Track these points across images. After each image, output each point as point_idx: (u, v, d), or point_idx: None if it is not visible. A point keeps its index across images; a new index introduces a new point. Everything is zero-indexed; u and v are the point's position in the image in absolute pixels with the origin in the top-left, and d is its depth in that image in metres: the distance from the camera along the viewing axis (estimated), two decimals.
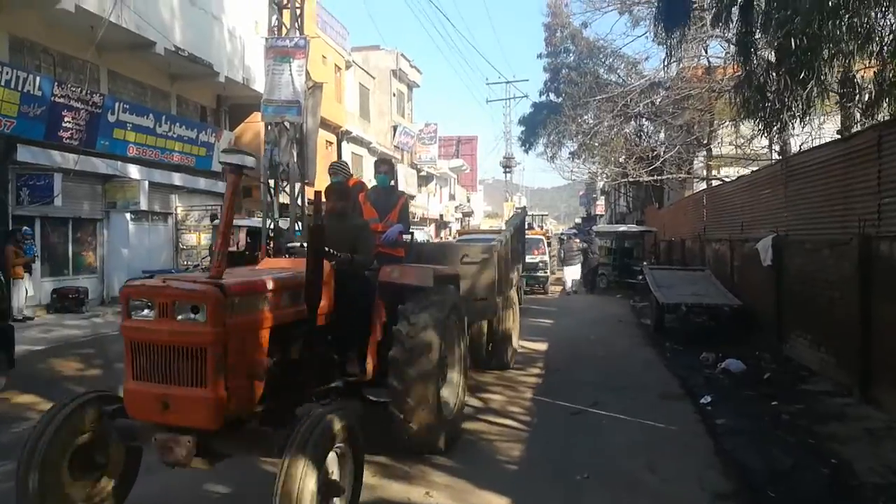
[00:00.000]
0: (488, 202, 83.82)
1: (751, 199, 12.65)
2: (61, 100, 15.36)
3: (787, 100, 7.07)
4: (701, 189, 20.44)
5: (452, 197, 58.85)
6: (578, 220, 75.59)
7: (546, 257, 22.45)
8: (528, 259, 19.72)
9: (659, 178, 23.93)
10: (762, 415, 7.05)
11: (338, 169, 7.03)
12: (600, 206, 69.30)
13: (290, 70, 10.66)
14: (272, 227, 11.67)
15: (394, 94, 40.68)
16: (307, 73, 11.26)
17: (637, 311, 16.84)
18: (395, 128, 40.01)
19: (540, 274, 21.94)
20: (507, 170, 46.67)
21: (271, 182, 11.39)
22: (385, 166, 7.16)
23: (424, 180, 48.25)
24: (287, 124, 11.04)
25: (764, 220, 11.55)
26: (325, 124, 29.20)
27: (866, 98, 7.84)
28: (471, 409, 7.22)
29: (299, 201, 11.32)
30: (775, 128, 7.85)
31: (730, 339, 11.20)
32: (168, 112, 20.41)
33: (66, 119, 15.62)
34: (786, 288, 10.16)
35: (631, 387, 8.44)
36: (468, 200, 63.01)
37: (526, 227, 34.64)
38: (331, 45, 29.84)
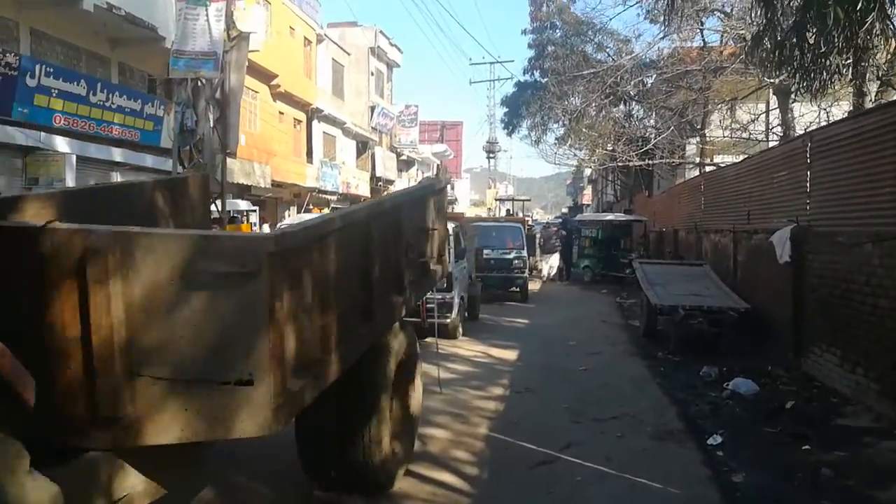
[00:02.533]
0: (475, 190, 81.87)
1: (760, 184, 10.79)
2: None
3: (836, 40, 5.17)
4: (699, 174, 18.55)
5: None
6: (565, 210, 74.16)
7: (524, 252, 16.72)
8: (499, 255, 16.21)
9: (651, 162, 22.07)
10: (794, 468, 5.19)
11: None
12: (587, 196, 67.77)
13: (207, 15, 8.64)
14: None
15: (372, 73, 38.49)
16: (231, 20, 9.27)
17: (624, 310, 15.01)
18: (372, 108, 37.86)
19: (515, 274, 16.44)
20: (491, 155, 44.67)
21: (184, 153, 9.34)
22: None
23: (405, 165, 46.22)
24: (202, 81, 9.06)
25: (778, 208, 9.69)
26: (294, 101, 27.13)
27: None
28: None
29: (218, 176, 9.33)
30: (821, 78, 5.96)
31: (734, 350, 9.38)
32: (107, 80, 18.24)
33: None
34: (808, 290, 8.30)
35: (617, 417, 6.56)
36: (452, 188, 60.91)
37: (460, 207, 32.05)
38: (300, 17, 27.65)
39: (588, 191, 67.96)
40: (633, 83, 23.81)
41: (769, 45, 5.80)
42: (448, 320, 10.22)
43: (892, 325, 6.24)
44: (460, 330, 10.94)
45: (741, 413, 6.71)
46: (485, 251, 15.45)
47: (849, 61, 5.71)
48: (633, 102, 27.57)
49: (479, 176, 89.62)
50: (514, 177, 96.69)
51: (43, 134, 15.64)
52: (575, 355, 9.71)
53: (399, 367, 4.77)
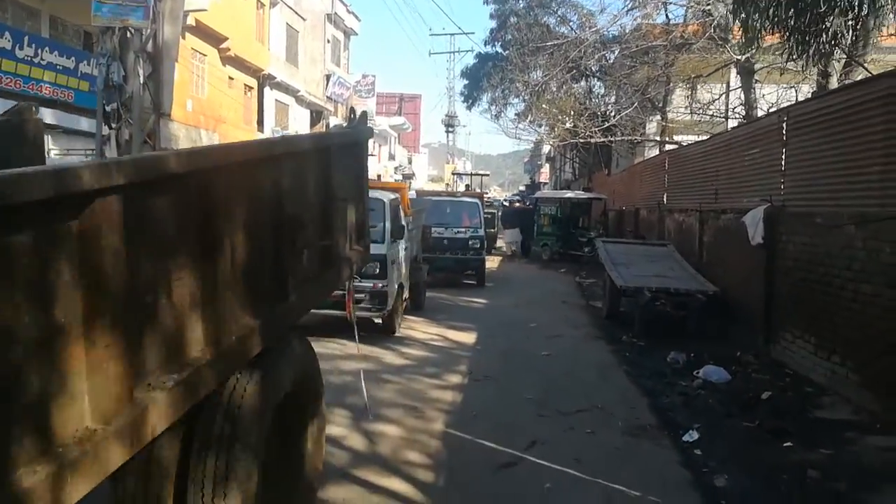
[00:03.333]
0: (434, 166, 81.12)
1: (730, 162, 10.39)
2: None
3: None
4: (663, 151, 18.15)
5: (392, 157, 55.65)
6: (522, 188, 74.25)
7: (481, 231, 14.97)
8: (453, 234, 14.44)
9: (612, 139, 21.67)
10: (777, 468, 4.75)
11: None
12: (545, 174, 67.63)
13: None
14: None
15: (328, 41, 37.14)
16: None
17: (584, 290, 14.61)
18: (328, 77, 36.59)
19: (471, 256, 14.59)
20: (450, 129, 43.84)
21: (108, 112, 8.38)
22: None
23: None
24: (131, 31, 8.10)
25: (750, 187, 9.29)
26: (245, 66, 25.84)
27: None
28: (347, 456, 4.70)
29: (148, 139, 8.40)
30: (818, 41, 5.43)
31: (700, 335, 9.02)
32: (36, 34, 16.82)
33: None
34: (781, 274, 7.93)
35: (584, 409, 6.05)
36: (410, 162, 60.00)
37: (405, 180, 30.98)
38: None
39: (546, 168, 67.77)
40: (595, 58, 23.35)
41: (761, 5, 5.23)
42: (382, 313, 8.59)
43: (876, 312, 5.86)
44: (399, 322, 9.31)
45: (715, 405, 6.28)
46: (436, 229, 13.91)
47: (850, 23, 5.21)
48: (595, 78, 27.17)
49: (438, 151, 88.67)
50: (472, 153, 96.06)
51: None
52: (536, 339, 9.20)
53: (286, 406, 3.30)
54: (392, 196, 9.48)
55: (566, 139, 23.93)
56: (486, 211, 17.95)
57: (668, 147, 19.41)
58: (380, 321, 8.70)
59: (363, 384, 5.20)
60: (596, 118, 22.53)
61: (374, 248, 7.45)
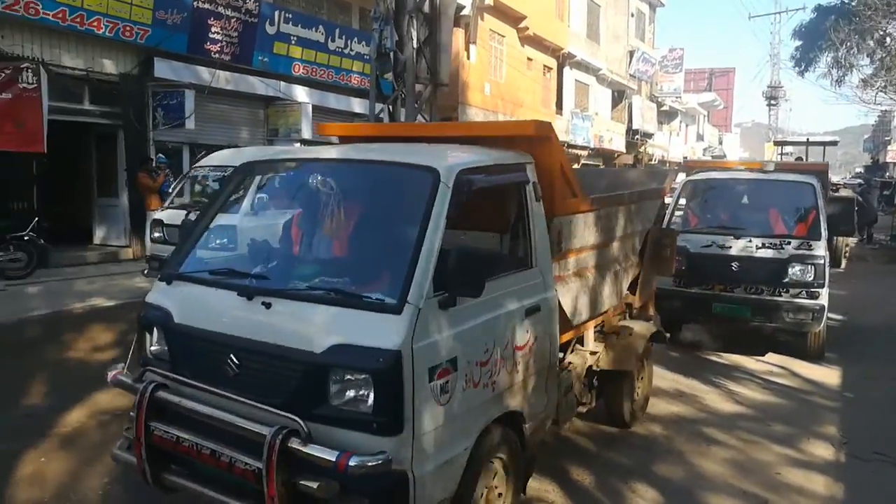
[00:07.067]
0: (745, 148, 72.99)
1: None
2: (206, 5, 13.01)
3: None
4: None
5: (700, 137, 50.76)
6: (859, 169, 63.02)
7: (819, 244, 6.72)
8: (751, 249, 6.84)
9: None
10: None
11: None
12: (893, 152, 56.16)
13: None
14: None
15: (632, 15, 34.59)
16: None
17: None
18: (631, 53, 34.07)
19: (791, 297, 6.63)
20: (773, 102, 37.96)
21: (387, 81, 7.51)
22: None
23: (666, 116, 41.56)
24: None
25: None
26: (543, 46, 24.81)
27: None
28: None
29: (426, 115, 7.27)
30: None
31: None
32: (347, 26, 17.52)
33: (213, 29, 13.32)
34: None
35: None
36: (720, 143, 54.29)
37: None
38: None
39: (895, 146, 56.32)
40: None
41: None
42: None
43: None
44: None
45: None
46: (711, 240, 7.03)
47: None
48: None
49: (750, 132, 79.64)
50: (793, 132, 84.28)
51: (283, 83, 15.34)
52: None
53: None
54: (476, 157, 3.31)
55: None
56: (834, 197, 10.85)
57: None
58: None
59: None
60: None
61: (370, 336, 2.55)
